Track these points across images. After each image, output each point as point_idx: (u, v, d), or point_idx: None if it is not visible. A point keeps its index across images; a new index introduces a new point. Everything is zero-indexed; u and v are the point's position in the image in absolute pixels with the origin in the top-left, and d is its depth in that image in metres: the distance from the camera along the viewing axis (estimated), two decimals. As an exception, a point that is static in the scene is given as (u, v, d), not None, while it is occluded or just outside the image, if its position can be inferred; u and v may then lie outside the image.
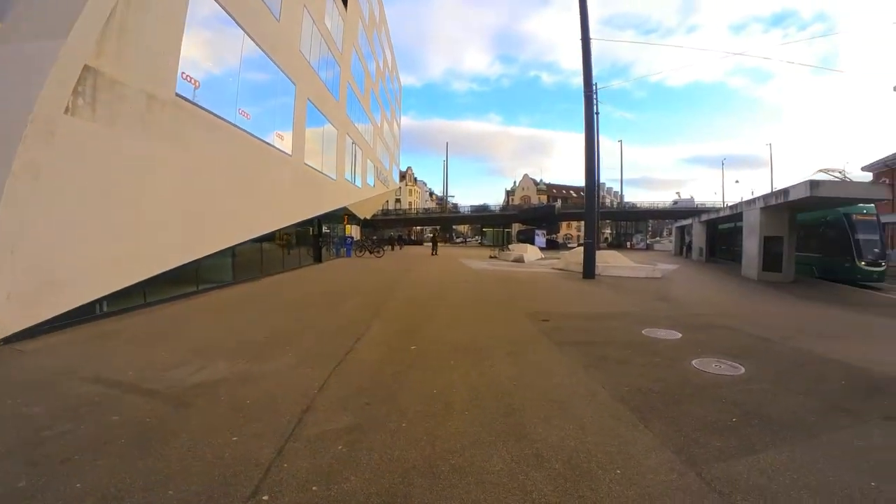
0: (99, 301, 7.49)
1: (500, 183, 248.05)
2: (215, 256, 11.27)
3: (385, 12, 41.79)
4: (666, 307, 10.55)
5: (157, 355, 5.62)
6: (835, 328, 8.70)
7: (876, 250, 17.66)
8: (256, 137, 12.92)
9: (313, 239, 22.16)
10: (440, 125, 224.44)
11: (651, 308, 10.36)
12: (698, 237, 31.66)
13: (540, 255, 30.56)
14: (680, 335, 7.38)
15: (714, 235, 30.40)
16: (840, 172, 17.75)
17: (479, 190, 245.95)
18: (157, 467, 2.96)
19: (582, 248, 19.01)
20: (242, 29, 11.56)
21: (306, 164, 18.19)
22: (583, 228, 43.98)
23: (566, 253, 26.42)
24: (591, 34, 16.98)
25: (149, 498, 2.64)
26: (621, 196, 71.17)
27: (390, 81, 46.97)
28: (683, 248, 37.42)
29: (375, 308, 9.58)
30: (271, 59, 13.69)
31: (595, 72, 17.41)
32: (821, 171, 18.79)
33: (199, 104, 9.67)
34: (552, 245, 54.83)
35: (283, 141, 15.45)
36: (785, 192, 16.24)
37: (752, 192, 62.25)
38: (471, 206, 74.92)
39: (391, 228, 66.09)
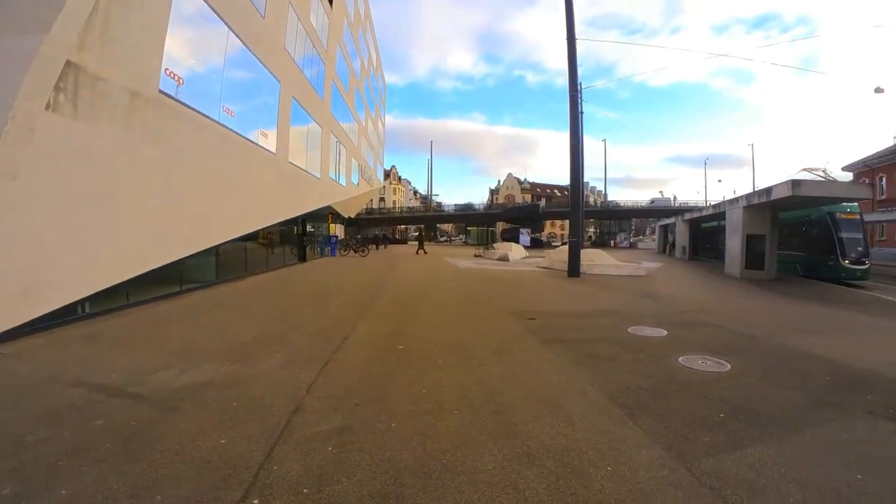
0: (81, 302, 7.35)
1: (484, 182, 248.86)
2: (199, 256, 11.13)
3: (370, 10, 41.60)
4: (651, 305, 10.68)
5: (142, 357, 5.53)
6: (817, 325, 8.88)
7: (859, 249, 17.91)
8: (241, 135, 12.77)
9: (298, 238, 21.98)
10: (424, 124, 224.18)
11: (636, 306, 10.47)
12: (681, 236, 32.02)
13: (524, 253, 30.64)
14: (666, 332, 7.48)
15: (697, 234, 30.75)
16: (823, 172, 18.02)
17: (463, 189, 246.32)
18: (144, 472, 2.90)
19: (566, 247, 19.13)
20: (227, 25, 11.40)
21: (291, 163, 18.04)
22: (566, 227, 44.28)
23: (550, 251, 26.52)
24: (577, 34, 17.10)
25: (136, 504, 2.59)
26: (605, 195, 71.93)
27: (375, 80, 46.77)
28: (667, 247, 37.83)
29: (362, 307, 9.54)
30: (256, 56, 13.53)
31: (580, 72, 17.53)
32: (804, 170, 19.02)
33: (183, 101, 9.51)
34: (536, 244, 55.06)
35: (267, 139, 15.30)
36: (767, 191, 16.51)
37: (734, 192, 63.55)
38: (455, 205, 74.97)
39: (375, 227, 65.76)
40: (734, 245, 18.77)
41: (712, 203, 38.67)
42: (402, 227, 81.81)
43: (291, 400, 4.23)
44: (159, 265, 9.16)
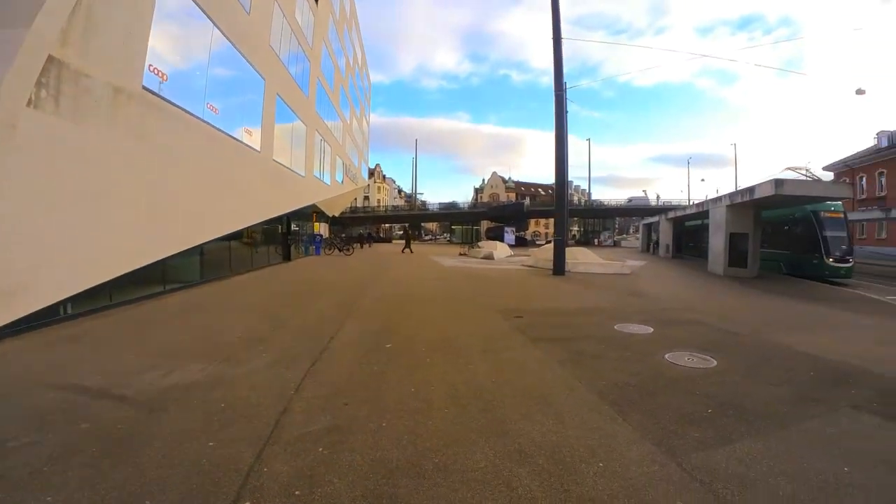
0: (63, 303, 7.21)
1: (468, 181, 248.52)
2: (183, 255, 10.97)
3: (356, 8, 41.36)
4: (637, 303, 10.81)
5: (126, 359, 5.45)
6: (801, 322, 9.10)
7: (843, 247, 18.14)
8: (225, 133, 12.60)
9: (282, 237, 21.80)
10: (409, 123, 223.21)
11: (622, 304, 10.59)
12: (665, 234, 32.40)
13: (509, 252, 30.72)
14: (652, 330, 7.58)
15: (681, 232, 31.14)
16: (807, 170, 18.32)
17: (448, 187, 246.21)
18: (131, 477, 2.85)
19: (551, 245, 19.24)
20: (212, 21, 11.24)
21: (275, 161, 17.83)
22: (551, 226, 44.55)
23: (535, 250, 26.70)
24: (563, 34, 17.19)
25: (124, 510, 2.55)
26: (589, 194, 72.47)
27: (360, 78, 46.49)
28: (650, 245, 38.25)
29: (348, 306, 9.51)
30: (241, 52, 13.37)
31: (565, 71, 17.61)
32: (788, 168, 19.31)
33: (167, 98, 9.36)
34: (521, 242, 55.32)
35: (251, 137, 15.11)
36: (751, 190, 16.78)
37: (717, 191, 64.58)
38: (439, 204, 75.00)
39: (360, 226, 65.47)
40: (717, 243, 19.05)
41: (695, 202, 39.25)
42: (387, 225, 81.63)
43: (279, 400, 4.20)
44: (142, 265, 8.99)
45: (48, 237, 6.57)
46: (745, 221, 18.09)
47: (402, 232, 78.74)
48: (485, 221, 69.13)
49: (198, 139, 11.11)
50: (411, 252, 31.26)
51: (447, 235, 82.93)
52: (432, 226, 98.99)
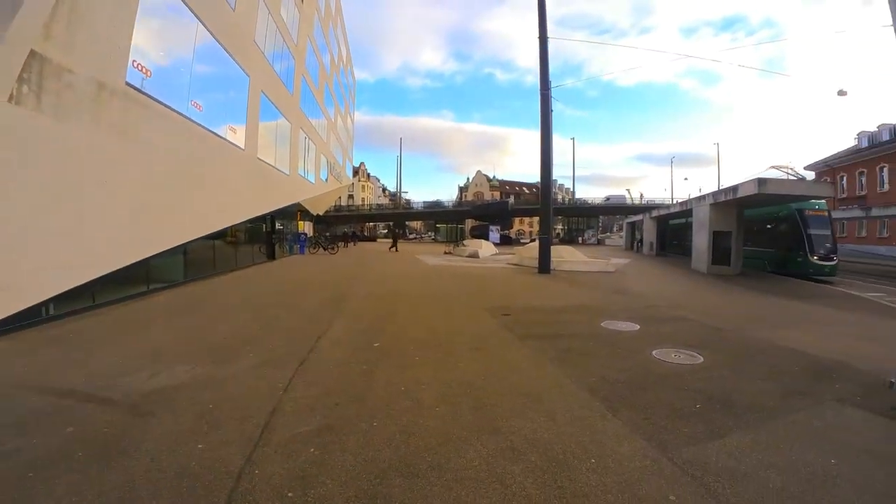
0: (45, 304, 7.06)
1: (453, 179, 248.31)
2: (166, 255, 10.82)
3: (341, 5, 41.11)
4: (622, 300, 10.93)
5: (111, 361, 5.32)
6: (786, 318, 9.28)
7: (828, 245, 18.36)
8: (209, 130, 12.45)
9: (266, 236, 21.57)
10: (393, 121, 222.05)
11: (608, 301, 10.70)
12: (649, 232, 32.76)
13: (494, 250, 30.78)
14: (638, 327, 7.68)
15: (664, 231, 31.48)
16: (792, 169, 18.60)
17: (432, 186, 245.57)
18: (119, 482, 2.78)
19: (536, 244, 19.31)
20: (196, 17, 11.10)
21: (259, 159, 17.67)
22: (535, 224, 44.76)
23: (520, 248, 26.76)
24: (548, 33, 17.26)
25: (113, 517, 2.49)
26: (573, 192, 72.89)
27: (345, 76, 46.23)
28: (635, 244, 38.63)
29: (335, 306, 9.46)
30: (225, 49, 13.21)
31: (549, 70, 17.68)
32: (773, 167, 19.56)
33: (151, 94, 9.22)
34: (506, 240, 55.46)
35: (235, 134, 14.95)
36: (734, 189, 17.05)
37: (700, 190, 65.38)
38: (424, 202, 75.07)
39: (344, 224, 65.12)
40: (701, 241, 19.29)
41: (679, 200, 39.73)
42: (371, 224, 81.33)
43: (268, 401, 4.15)
44: (125, 264, 8.86)
45: (29, 236, 6.44)
46: (729, 220, 18.38)
47: (386, 231, 78.59)
48: (469, 220, 69.15)
49: (182, 137, 10.97)
50: (396, 251, 31.20)
51: (432, 234, 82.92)
52: (417, 224, 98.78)
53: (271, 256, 21.74)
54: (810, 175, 40.03)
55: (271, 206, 20.13)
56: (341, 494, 2.72)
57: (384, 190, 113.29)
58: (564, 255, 19.97)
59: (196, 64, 11.62)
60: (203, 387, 4.51)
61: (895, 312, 9.66)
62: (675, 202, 43.17)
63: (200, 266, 13.49)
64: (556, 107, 17.60)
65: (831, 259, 18.26)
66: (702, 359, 5.75)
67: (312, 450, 3.26)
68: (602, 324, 7.89)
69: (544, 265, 17.23)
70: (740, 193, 16.41)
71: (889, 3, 4.34)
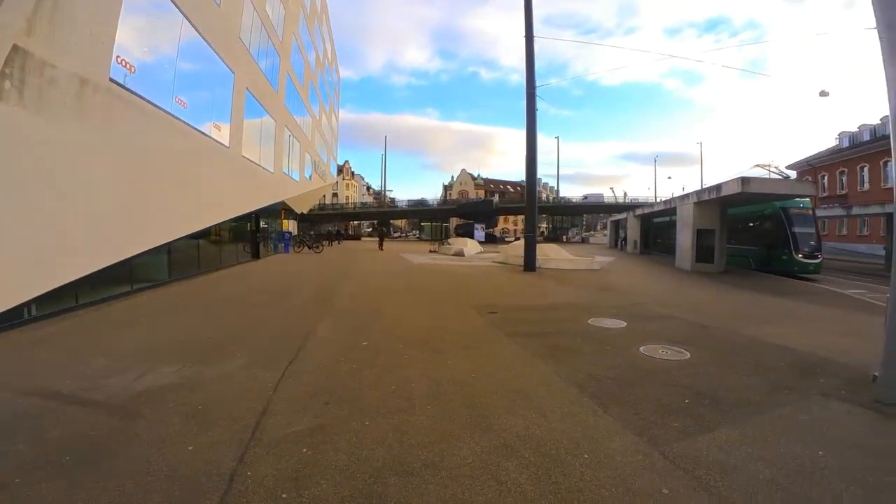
0: (26, 305, 6.92)
1: (438, 178, 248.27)
2: (150, 254, 10.65)
3: (327, 3, 40.82)
4: (608, 298, 11.05)
5: (96, 362, 5.21)
6: (770, 315, 9.47)
7: (812, 243, 18.62)
8: (193, 127, 12.26)
9: (251, 234, 21.36)
10: (378, 119, 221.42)
11: (594, 299, 10.81)
12: (633, 231, 33.12)
13: (480, 248, 30.84)
14: (625, 324, 7.78)
15: (648, 229, 31.82)
16: (776, 168, 18.89)
17: (417, 185, 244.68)
18: (108, 487, 2.71)
19: (521, 242, 19.44)
20: (181, 12, 10.94)
21: (244, 157, 17.48)
22: (520, 223, 44.92)
23: (505, 246, 26.85)
24: (534, 32, 17.33)
25: (103, 523, 2.45)
26: (557, 191, 73.37)
27: (329, 73, 45.90)
28: (619, 242, 39.00)
29: (321, 304, 9.43)
30: (210, 45, 13.02)
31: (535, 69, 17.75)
32: (757, 166, 19.88)
33: (135, 90, 9.06)
34: (491, 239, 55.67)
35: (220, 132, 14.75)
36: (717, 187, 17.31)
37: (683, 188, 66.38)
38: (409, 201, 75.07)
39: (328, 223, 64.80)
40: (685, 239, 19.54)
41: (662, 199, 40.21)
42: (356, 223, 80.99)
43: (258, 401, 4.11)
44: (109, 264, 8.70)
45: (10, 234, 6.30)
46: (713, 218, 18.66)
47: (371, 229, 78.26)
48: (454, 218, 69.23)
49: (166, 134, 10.80)
50: (381, 249, 31.13)
51: (416, 233, 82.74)
52: (401, 223, 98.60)
53: (256, 255, 21.54)
54: (792, 174, 40.86)
55: (256, 205, 19.93)
56: (336, 494, 2.70)
57: (369, 188, 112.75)
58: (549, 254, 20.09)
59: (180, 60, 11.44)
60: (191, 387, 4.46)
61: (877, 309, 9.88)
62: (658, 201, 43.66)
63: (185, 265, 13.31)
64: (541, 105, 17.74)
65: (816, 257, 18.47)
66: (689, 355, 5.85)
67: (305, 450, 3.24)
68: (589, 321, 7.97)
69: (530, 263, 17.34)
70: (724, 192, 16.68)
71: (873, 5, 4.43)
